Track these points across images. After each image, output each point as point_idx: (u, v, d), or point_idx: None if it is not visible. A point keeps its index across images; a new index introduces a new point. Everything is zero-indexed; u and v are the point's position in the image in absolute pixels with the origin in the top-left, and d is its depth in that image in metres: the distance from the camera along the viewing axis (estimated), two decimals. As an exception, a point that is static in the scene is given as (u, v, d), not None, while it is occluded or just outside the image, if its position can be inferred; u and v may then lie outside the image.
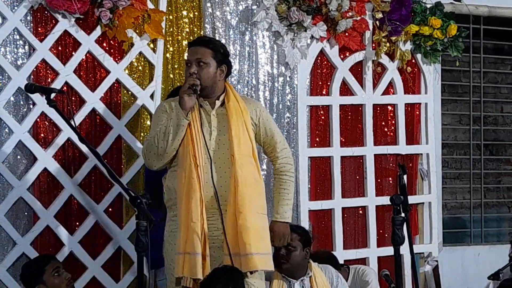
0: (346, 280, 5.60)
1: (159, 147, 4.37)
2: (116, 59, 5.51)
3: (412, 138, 6.50)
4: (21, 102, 5.32)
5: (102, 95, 5.48)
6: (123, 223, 5.51)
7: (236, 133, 4.45)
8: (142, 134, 5.59)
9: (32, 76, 5.31)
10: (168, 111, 4.51)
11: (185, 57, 4.54)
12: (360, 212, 6.30)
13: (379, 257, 6.25)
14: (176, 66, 5.68)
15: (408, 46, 6.37)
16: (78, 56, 5.40)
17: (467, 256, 7.02)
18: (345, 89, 6.26)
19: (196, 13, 5.76)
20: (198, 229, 4.34)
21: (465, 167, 7.53)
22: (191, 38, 5.66)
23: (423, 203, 6.54)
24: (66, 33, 5.37)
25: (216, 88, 4.55)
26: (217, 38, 5.70)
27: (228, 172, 4.43)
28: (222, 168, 4.44)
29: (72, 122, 4.18)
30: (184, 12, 5.73)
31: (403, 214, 4.23)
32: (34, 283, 4.79)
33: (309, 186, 6.11)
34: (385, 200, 5.92)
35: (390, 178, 6.40)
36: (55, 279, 4.79)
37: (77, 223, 5.42)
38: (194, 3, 5.76)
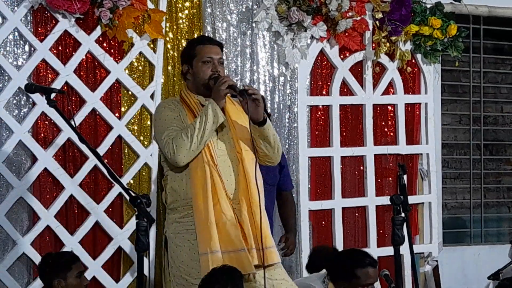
0: None
1: (193, 142, 4.32)
2: (116, 59, 5.52)
3: (412, 138, 6.50)
4: (21, 102, 5.32)
5: (102, 95, 5.48)
6: (123, 223, 5.51)
7: (239, 131, 4.47)
8: (142, 134, 5.59)
9: (32, 76, 5.31)
10: (175, 109, 4.50)
11: (205, 54, 4.49)
12: (360, 212, 6.31)
13: (379, 257, 6.21)
14: (176, 66, 5.68)
15: (408, 46, 6.37)
16: (78, 56, 5.41)
17: (467, 256, 7.02)
18: (345, 89, 6.26)
19: (196, 13, 5.76)
20: (237, 225, 4.36)
21: (465, 167, 7.54)
22: (191, 38, 5.66)
23: (423, 203, 6.54)
24: (66, 33, 5.38)
25: None
26: (217, 38, 5.71)
27: (236, 169, 4.44)
28: (230, 166, 4.46)
29: (72, 122, 4.19)
30: (184, 12, 5.73)
31: (403, 214, 4.23)
32: (54, 275, 4.71)
33: (309, 186, 6.11)
34: (385, 200, 5.91)
35: (390, 178, 6.40)
36: (76, 281, 4.73)
37: (77, 223, 5.42)
38: (194, 3, 5.76)
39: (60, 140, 5.35)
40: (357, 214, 6.30)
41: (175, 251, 4.46)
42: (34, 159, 5.31)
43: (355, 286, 4.64)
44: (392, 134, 6.43)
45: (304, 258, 5.99)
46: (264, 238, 4.38)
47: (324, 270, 4.99)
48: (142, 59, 5.61)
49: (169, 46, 5.67)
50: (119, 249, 5.49)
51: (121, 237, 5.47)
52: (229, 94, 4.53)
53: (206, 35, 5.73)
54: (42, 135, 5.36)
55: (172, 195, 4.48)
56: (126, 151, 5.55)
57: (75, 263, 4.74)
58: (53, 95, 4.18)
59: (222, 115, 4.38)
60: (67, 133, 5.30)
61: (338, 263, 4.80)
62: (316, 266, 5.22)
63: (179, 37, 5.71)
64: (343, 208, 6.21)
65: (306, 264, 5.44)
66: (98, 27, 5.41)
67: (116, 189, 5.44)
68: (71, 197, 5.38)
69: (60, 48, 5.39)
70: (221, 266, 4.27)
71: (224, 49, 5.66)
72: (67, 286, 4.71)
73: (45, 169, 5.31)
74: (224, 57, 4.63)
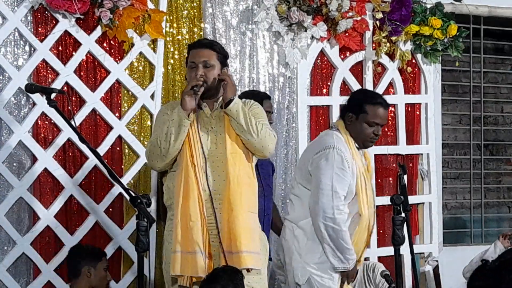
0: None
1: (162, 148, 4.39)
2: (117, 59, 5.51)
3: (413, 138, 6.50)
4: (22, 102, 5.32)
5: (103, 95, 5.48)
6: (123, 223, 5.51)
7: (232, 133, 4.48)
8: (142, 134, 5.59)
9: (32, 76, 5.31)
10: (169, 113, 4.54)
11: (189, 59, 4.53)
12: (360, 212, 6.30)
13: (379, 257, 6.24)
14: (176, 66, 5.68)
15: (408, 46, 6.37)
16: (79, 56, 5.40)
17: (467, 256, 6.99)
18: (345, 89, 6.26)
19: (196, 13, 5.76)
20: (198, 228, 4.36)
21: (465, 167, 7.54)
22: (191, 38, 5.67)
23: (423, 203, 6.54)
24: (66, 33, 5.37)
25: (219, 90, 4.58)
26: (217, 38, 5.71)
27: (226, 171, 4.46)
28: (220, 167, 4.47)
29: (73, 122, 4.19)
30: (184, 12, 5.73)
31: (403, 214, 4.23)
32: (85, 263, 4.93)
33: (309, 186, 6.11)
34: (386, 200, 5.92)
35: (390, 178, 6.40)
36: (103, 273, 4.98)
37: (77, 223, 5.42)
38: (194, 3, 5.76)
39: (60, 140, 5.35)
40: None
41: (167, 248, 4.54)
42: (34, 159, 5.31)
43: (362, 121, 4.78)
44: (392, 134, 6.43)
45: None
46: (234, 243, 4.39)
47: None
48: (142, 59, 5.60)
49: (169, 46, 5.67)
50: (119, 249, 5.48)
51: (121, 237, 5.47)
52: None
53: (207, 35, 5.74)
54: (42, 135, 5.35)
55: (167, 193, 4.56)
56: (126, 151, 5.55)
57: (105, 256, 5.02)
58: (53, 95, 4.19)
59: (186, 118, 4.39)
60: (67, 133, 5.30)
61: (350, 97, 4.95)
62: None
63: (179, 37, 5.71)
64: (343, 208, 6.20)
65: None
66: (98, 27, 5.41)
67: (116, 189, 5.44)
68: (71, 197, 5.38)
69: (60, 48, 5.39)
70: (222, 266, 4.28)
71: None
72: (95, 275, 4.90)
73: (45, 169, 5.31)
74: (217, 58, 4.61)
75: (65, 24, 5.34)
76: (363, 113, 4.78)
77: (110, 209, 5.48)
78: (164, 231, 4.67)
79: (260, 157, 4.69)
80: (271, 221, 5.41)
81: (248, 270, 4.40)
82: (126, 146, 5.55)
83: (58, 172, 5.33)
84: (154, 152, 4.43)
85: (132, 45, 5.52)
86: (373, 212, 4.81)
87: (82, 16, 5.33)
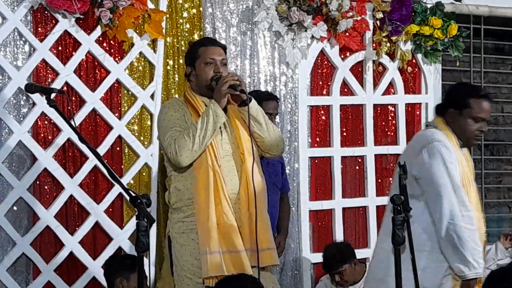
0: (362, 276, 5.64)
1: (195, 143, 4.34)
2: (116, 59, 5.51)
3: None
4: (21, 102, 5.32)
5: (102, 95, 5.48)
6: (123, 223, 5.51)
7: (242, 132, 4.49)
8: (142, 134, 5.59)
9: (32, 76, 5.31)
10: (180, 109, 4.51)
11: (207, 56, 4.51)
12: (361, 212, 6.30)
13: (379, 257, 6.24)
14: (176, 66, 5.67)
15: (409, 46, 6.37)
16: (78, 56, 5.40)
17: (467, 256, 7.01)
18: (346, 89, 6.26)
19: (196, 13, 5.76)
20: (236, 227, 4.38)
21: (466, 167, 7.52)
22: (191, 38, 5.66)
23: (423, 203, 6.53)
24: (66, 33, 5.37)
25: None
26: (217, 38, 5.71)
27: (240, 170, 4.45)
28: (235, 166, 4.47)
29: (72, 122, 4.18)
30: (184, 12, 5.73)
31: (403, 214, 4.22)
32: (118, 274, 4.89)
33: (309, 186, 6.11)
34: (386, 200, 5.89)
35: (391, 178, 6.39)
36: (134, 284, 4.84)
37: (77, 223, 5.42)
38: (194, 3, 5.75)
39: (60, 140, 5.34)
40: (357, 215, 6.30)
41: (179, 251, 4.47)
42: (34, 159, 5.30)
43: (466, 117, 4.46)
44: (392, 134, 6.43)
45: (304, 257, 6.01)
46: (262, 240, 4.39)
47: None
48: (142, 59, 5.60)
49: (169, 46, 5.66)
50: (119, 249, 5.48)
51: (121, 237, 5.46)
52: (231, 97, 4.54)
53: (206, 35, 5.73)
54: (42, 135, 5.35)
55: (176, 194, 4.49)
56: (126, 151, 5.55)
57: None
58: (53, 95, 4.17)
59: (223, 116, 4.40)
60: (67, 133, 5.30)
61: (450, 92, 4.65)
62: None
63: (179, 37, 5.70)
64: (344, 208, 6.21)
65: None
66: (98, 27, 5.40)
67: (116, 189, 5.43)
68: (71, 197, 5.37)
69: (60, 48, 5.39)
70: (249, 275, 4.25)
71: (224, 49, 5.66)
72: (129, 286, 4.79)
73: (45, 169, 5.30)
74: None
75: (65, 24, 5.33)
76: (467, 108, 4.43)
77: (110, 209, 5.48)
78: (167, 233, 4.61)
79: (271, 156, 4.70)
80: (276, 218, 5.48)
81: (264, 268, 4.41)
82: (126, 146, 5.54)
83: (58, 172, 5.33)
84: (185, 147, 4.36)
85: (132, 45, 5.51)
86: (481, 217, 4.49)
87: (82, 16, 5.33)
